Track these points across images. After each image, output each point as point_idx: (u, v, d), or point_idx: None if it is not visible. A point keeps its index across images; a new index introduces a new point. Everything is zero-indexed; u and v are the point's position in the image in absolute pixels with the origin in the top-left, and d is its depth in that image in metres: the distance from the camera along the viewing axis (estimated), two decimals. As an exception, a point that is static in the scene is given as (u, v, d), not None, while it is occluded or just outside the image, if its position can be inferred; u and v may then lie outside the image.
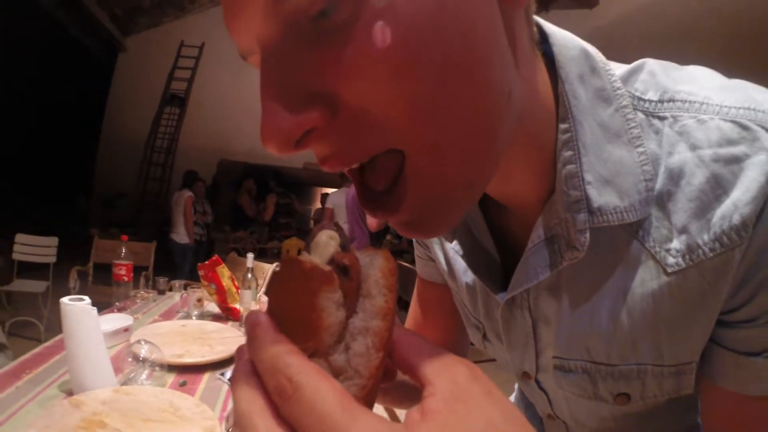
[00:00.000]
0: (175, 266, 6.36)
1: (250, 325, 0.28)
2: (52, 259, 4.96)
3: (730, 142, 0.40)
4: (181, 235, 6.52)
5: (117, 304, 2.11)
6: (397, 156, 0.35)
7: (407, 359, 0.29)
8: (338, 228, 0.31)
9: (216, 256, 2.11)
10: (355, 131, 0.33)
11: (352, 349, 0.28)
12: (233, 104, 5.42)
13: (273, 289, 0.29)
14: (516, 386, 0.89)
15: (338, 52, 0.30)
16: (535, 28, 0.45)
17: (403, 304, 0.93)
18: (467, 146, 0.35)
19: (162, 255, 5.25)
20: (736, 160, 0.39)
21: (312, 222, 9.17)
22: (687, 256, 0.42)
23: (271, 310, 0.28)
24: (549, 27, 0.46)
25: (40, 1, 7.49)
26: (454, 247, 0.59)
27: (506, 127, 0.38)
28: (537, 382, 0.59)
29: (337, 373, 0.27)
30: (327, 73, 0.31)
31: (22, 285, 4.70)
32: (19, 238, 4.87)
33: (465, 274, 0.61)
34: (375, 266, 0.30)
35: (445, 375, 0.26)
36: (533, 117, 0.43)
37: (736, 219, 0.39)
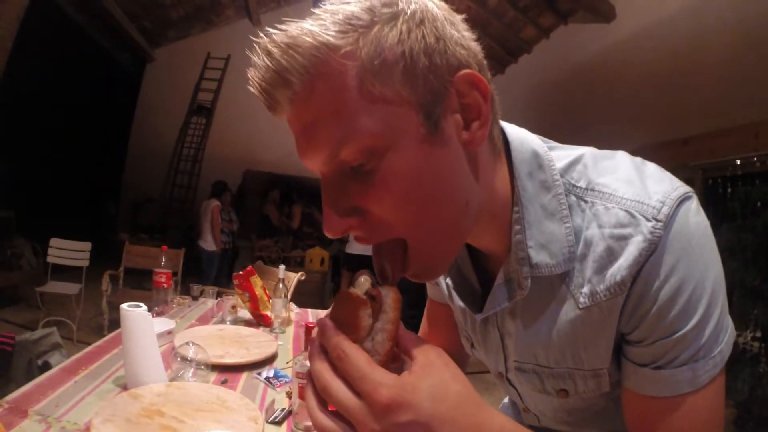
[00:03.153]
0: (201, 272, 6.54)
1: (321, 325, 0.50)
2: (85, 263, 5.09)
3: (622, 225, 0.58)
4: (208, 243, 6.69)
5: (156, 308, 2.23)
6: (402, 241, 0.56)
7: (405, 346, 0.51)
8: (370, 274, 0.54)
9: (251, 267, 2.25)
10: (376, 228, 0.55)
11: (375, 339, 0.49)
12: (258, 116, 5.52)
13: (334, 306, 0.52)
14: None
15: (367, 186, 0.52)
16: (499, 140, 0.64)
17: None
18: (441, 237, 0.57)
19: (189, 261, 5.39)
20: (624, 238, 0.58)
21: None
22: (590, 298, 0.62)
23: (332, 317, 0.51)
24: (512, 135, 0.66)
25: (71, 16, 7.73)
26: (448, 282, 0.80)
27: (466, 220, 0.59)
28: (508, 380, 0.79)
29: (366, 353, 0.48)
30: (360, 197, 0.53)
31: (56, 287, 4.86)
32: (54, 242, 5.03)
33: (458, 300, 0.80)
34: (389, 296, 0.51)
35: (423, 354, 0.49)
36: (493, 204, 0.63)
37: (619, 277, 0.58)
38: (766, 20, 4.38)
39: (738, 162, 4.51)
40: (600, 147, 0.70)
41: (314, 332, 0.54)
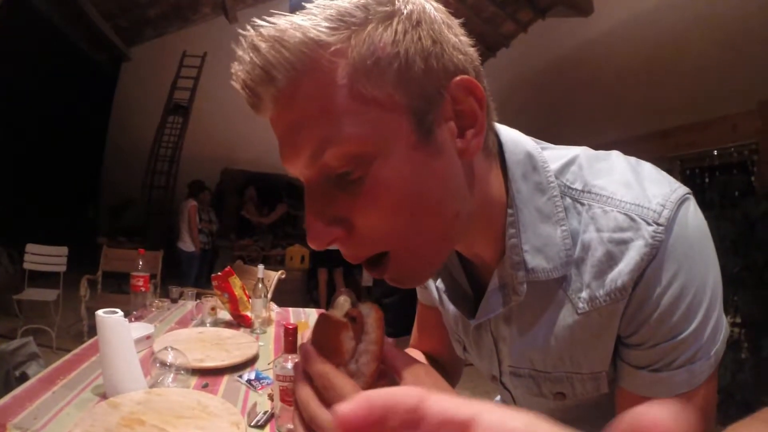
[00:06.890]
0: (181, 274, 6.47)
1: (304, 351, 0.49)
2: (62, 268, 4.99)
3: (622, 229, 0.57)
4: (186, 244, 6.63)
5: (134, 313, 2.19)
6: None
7: (392, 364, 0.50)
8: (349, 293, 0.52)
9: (229, 267, 2.22)
10: (361, 242, 0.53)
11: (359, 361, 0.48)
12: (236, 114, 5.46)
13: (314, 330, 0.50)
14: None
15: (353, 197, 0.51)
16: (493, 144, 0.62)
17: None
18: (426, 247, 0.56)
19: (169, 262, 5.32)
20: (624, 242, 0.57)
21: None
22: (590, 303, 0.60)
23: (314, 342, 0.49)
24: (504, 136, 0.64)
25: (45, 14, 7.57)
26: (438, 286, 0.78)
27: (456, 231, 0.57)
28: (502, 383, 0.78)
29: (351, 375, 0.47)
30: (346, 207, 0.51)
31: (33, 294, 4.76)
32: (30, 247, 4.92)
33: (449, 304, 0.79)
34: (371, 315, 0.49)
35: (410, 372, 0.50)
36: (487, 209, 0.61)
37: (619, 282, 0.57)
38: (743, 15, 4.45)
39: (716, 153, 4.58)
40: (579, 140, 0.69)
41: (296, 358, 0.54)
